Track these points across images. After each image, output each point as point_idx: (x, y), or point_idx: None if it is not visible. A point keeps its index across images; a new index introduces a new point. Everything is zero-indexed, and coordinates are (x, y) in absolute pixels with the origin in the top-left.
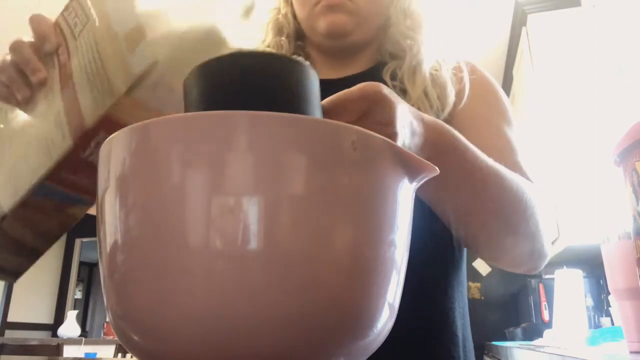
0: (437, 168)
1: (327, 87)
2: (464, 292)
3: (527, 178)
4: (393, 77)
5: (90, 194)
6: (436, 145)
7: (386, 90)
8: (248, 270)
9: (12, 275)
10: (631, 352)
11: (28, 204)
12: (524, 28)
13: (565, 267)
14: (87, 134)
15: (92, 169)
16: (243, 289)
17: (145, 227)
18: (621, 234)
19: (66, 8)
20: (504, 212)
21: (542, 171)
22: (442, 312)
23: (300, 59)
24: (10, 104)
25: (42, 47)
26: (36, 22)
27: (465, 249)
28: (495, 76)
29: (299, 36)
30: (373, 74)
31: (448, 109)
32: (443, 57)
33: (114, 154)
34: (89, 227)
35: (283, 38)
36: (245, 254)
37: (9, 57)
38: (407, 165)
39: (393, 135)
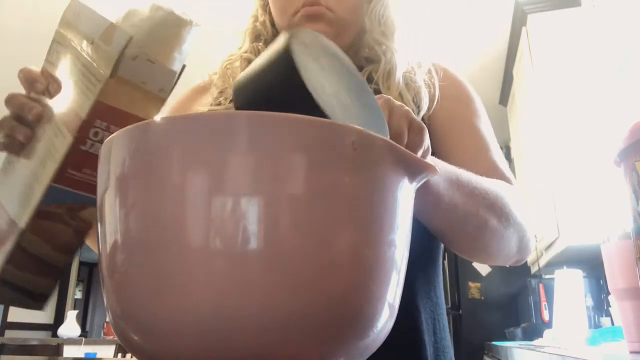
0: (437, 168)
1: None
2: (439, 294)
3: (505, 176)
4: (369, 80)
5: None
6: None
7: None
8: (248, 270)
9: (40, 299)
10: (631, 352)
11: (42, 214)
12: (524, 28)
13: (565, 267)
14: (84, 126)
15: (95, 162)
16: (243, 289)
17: (145, 227)
18: (621, 234)
19: (49, 52)
20: (491, 221)
21: (542, 171)
22: (410, 313)
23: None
24: (13, 152)
25: (34, 87)
26: (25, 72)
27: (440, 252)
28: (496, 76)
29: None
30: None
31: (422, 112)
32: (418, 62)
33: (114, 154)
34: None
35: (260, 44)
36: (245, 254)
37: (7, 114)
38: (407, 165)
39: (425, 154)
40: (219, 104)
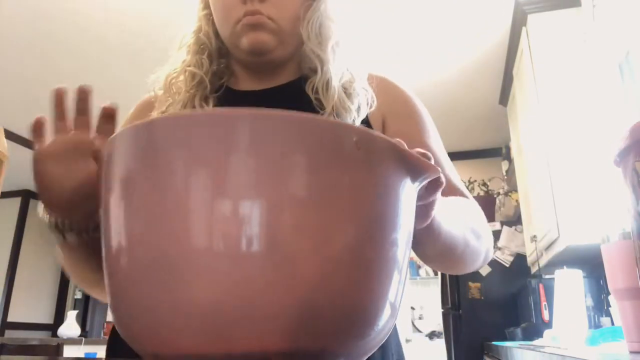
0: (438, 169)
1: (250, 97)
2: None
3: (462, 192)
4: (314, 91)
5: None
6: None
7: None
8: (250, 269)
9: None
10: (631, 352)
11: None
12: (524, 28)
13: (565, 267)
14: None
15: None
16: (245, 288)
17: (147, 228)
18: (621, 234)
19: None
20: (472, 242)
21: (542, 171)
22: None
23: None
24: None
25: None
26: None
27: None
28: (496, 76)
29: (222, 54)
30: (295, 86)
31: (359, 120)
32: (357, 72)
33: (116, 154)
34: None
35: (204, 57)
36: (247, 253)
37: None
38: (409, 165)
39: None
40: None
